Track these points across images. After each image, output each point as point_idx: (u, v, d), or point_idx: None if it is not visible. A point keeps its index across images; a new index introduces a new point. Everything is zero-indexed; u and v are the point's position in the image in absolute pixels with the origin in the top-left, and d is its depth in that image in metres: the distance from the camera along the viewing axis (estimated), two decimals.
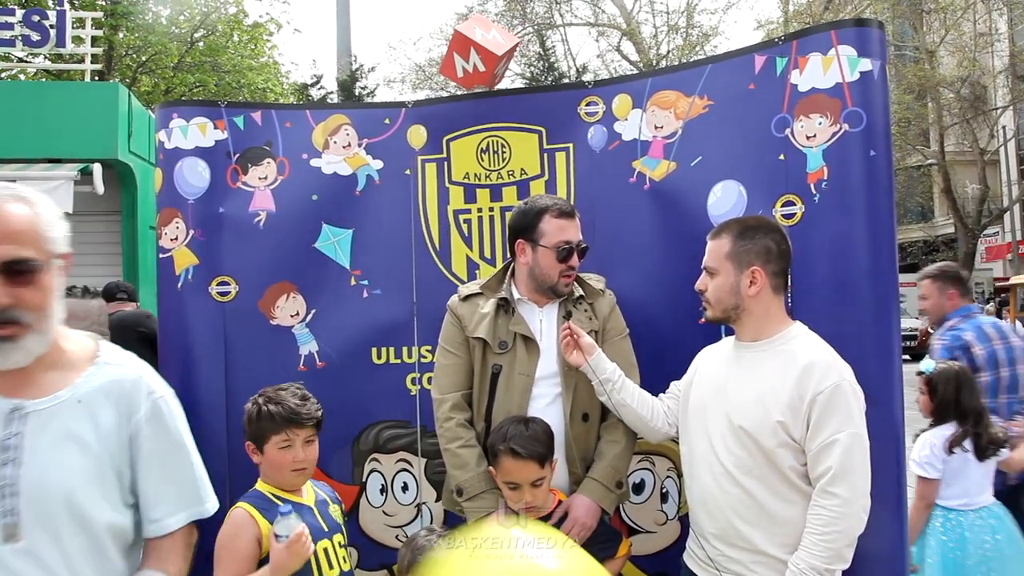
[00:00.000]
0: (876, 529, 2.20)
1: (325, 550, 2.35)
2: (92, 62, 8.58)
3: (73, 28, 8.15)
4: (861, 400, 2.13)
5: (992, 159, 25.55)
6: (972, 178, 24.75)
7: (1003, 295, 17.94)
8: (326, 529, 2.39)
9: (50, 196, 6.01)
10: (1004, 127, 24.98)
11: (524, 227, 2.64)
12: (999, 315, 15.99)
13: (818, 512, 2.06)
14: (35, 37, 7.82)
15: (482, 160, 3.18)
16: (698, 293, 2.35)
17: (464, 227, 3.20)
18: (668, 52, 23.38)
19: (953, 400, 3.34)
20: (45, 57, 9.30)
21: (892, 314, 2.58)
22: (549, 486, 2.46)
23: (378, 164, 3.24)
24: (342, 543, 2.43)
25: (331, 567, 2.34)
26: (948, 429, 3.33)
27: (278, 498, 2.36)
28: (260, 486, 2.42)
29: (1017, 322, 13.40)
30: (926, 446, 3.34)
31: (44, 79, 13.55)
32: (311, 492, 2.49)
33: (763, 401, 2.14)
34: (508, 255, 2.75)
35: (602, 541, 2.49)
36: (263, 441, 2.39)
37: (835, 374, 2.11)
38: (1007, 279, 20.90)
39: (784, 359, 2.17)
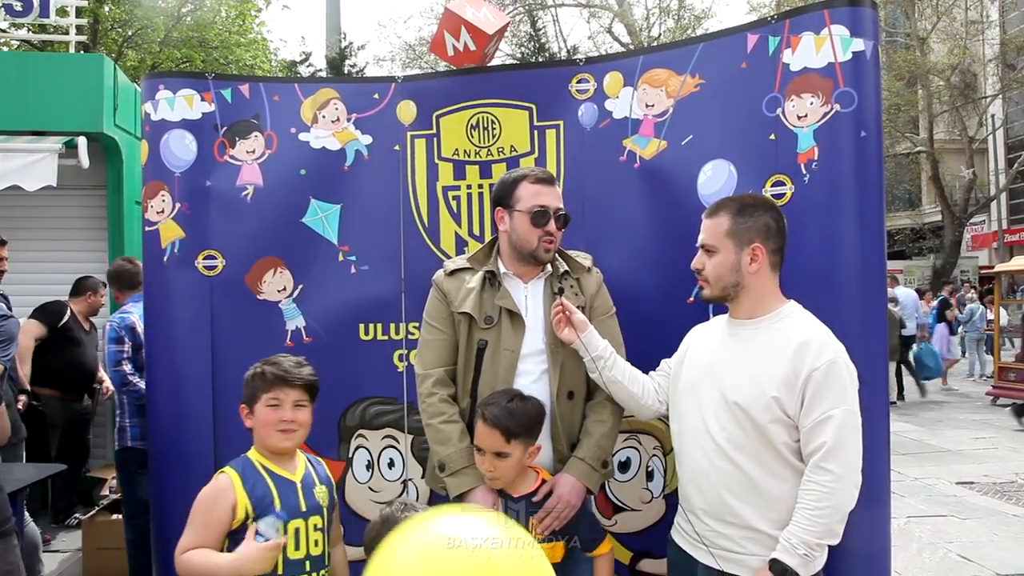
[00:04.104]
0: (862, 505, 2.21)
1: (297, 530, 2.29)
2: (76, 34, 8.42)
3: None
4: (854, 378, 2.14)
5: (980, 147, 25.67)
6: (960, 166, 24.87)
7: (988, 284, 18.09)
8: (304, 510, 2.33)
9: (34, 169, 5.89)
10: (993, 115, 25.11)
11: (502, 195, 2.62)
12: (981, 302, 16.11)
13: (811, 488, 2.07)
14: (17, 7, 7.66)
15: (472, 136, 3.15)
16: (694, 272, 2.33)
17: (453, 204, 3.18)
18: (660, 35, 23.29)
19: None
20: (28, 28, 9.12)
21: (880, 295, 2.61)
22: (519, 465, 2.40)
23: (367, 139, 3.22)
24: (318, 526, 2.36)
25: (297, 548, 2.29)
26: None
27: (271, 474, 2.31)
28: (251, 453, 2.38)
29: (1002, 310, 13.50)
30: None
31: (27, 50, 13.36)
32: (302, 469, 2.42)
33: (758, 378, 2.15)
34: (495, 230, 2.73)
35: (587, 528, 2.47)
36: (255, 401, 2.35)
37: (830, 352, 2.12)
38: (992, 267, 21.02)
39: (779, 336, 2.18)
